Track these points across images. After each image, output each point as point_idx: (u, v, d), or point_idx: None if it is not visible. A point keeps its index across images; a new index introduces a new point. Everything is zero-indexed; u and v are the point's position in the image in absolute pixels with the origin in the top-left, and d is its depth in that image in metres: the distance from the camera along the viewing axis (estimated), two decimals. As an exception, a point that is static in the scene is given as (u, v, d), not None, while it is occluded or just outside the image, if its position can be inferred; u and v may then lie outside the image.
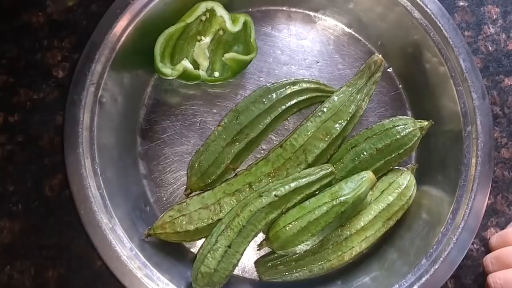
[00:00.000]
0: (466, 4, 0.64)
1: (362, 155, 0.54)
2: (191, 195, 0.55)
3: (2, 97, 0.57)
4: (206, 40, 0.58)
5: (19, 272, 0.53)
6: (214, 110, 0.59)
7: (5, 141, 0.56)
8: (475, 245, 0.57)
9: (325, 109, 0.55)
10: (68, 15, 0.60)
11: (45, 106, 0.57)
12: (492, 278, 0.50)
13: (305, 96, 0.57)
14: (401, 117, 0.56)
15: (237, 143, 0.54)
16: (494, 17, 0.64)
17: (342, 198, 0.49)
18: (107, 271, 0.52)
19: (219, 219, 0.51)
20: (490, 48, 0.63)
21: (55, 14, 0.60)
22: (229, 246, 0.48)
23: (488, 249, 0.56)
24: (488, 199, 0.57)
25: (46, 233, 0.54)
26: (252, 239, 0.50)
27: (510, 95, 0.61)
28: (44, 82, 0.58)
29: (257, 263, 0.54)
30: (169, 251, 0.52)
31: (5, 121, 0.57)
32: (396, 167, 0.56)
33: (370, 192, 0.53)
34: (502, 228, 0.57)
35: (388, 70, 0.62)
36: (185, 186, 0.56)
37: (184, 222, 0.51)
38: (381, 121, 0.56)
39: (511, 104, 0.61)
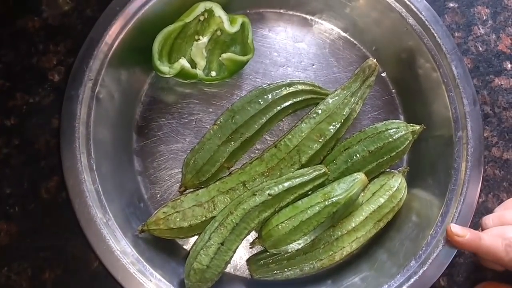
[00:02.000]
0: (456, 5, 0.66)
1: (354, 157, 0.55)
2: (185, 192, 0.55)
3: None
4: (204, 40, 0.58)
5: (16, 273, 0.53)
6: (210, 109, 0.59)
7: (1, 144, 0.56)
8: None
9: (319, 111, 0.56)
10: (63, 20, 0.61)
11: (41, 110, 0.58)
12: (486, 220, 0.49)
13: (300, 98, 0.58)
14: (393, 120, 0.57)
15: (232, 142, 0.55)
16: (484, 18, 0.65)
17: (334, 199, 0.50)
18: (103, 272, 0.52)
19: (213, 217, 0.51)
20: (480, 48, 0.64)
21: (51, 19, 0.60)
22: (222, 243, 0.49)
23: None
24: (480, 198, 0.58)
25: (43, 235, 0.54)
26: (245, 237, 0.51)
27: (500, 95, 0.62)
28: (40, 86, 0.58)
29: (249, 261, 0.54)
30: (162, 247, 0.53)
31: (1, 124, 0.57)
32: (388, 170, 0.57)
33: (362, 194, 0.54)
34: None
35: (382, 74, 0.63)
36: (180, 183, 0.56)
37: (178, 219, 0.51)
38: (374, 124, 0.57)
39: (501, 104, 0.62)
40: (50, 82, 0.58)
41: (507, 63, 0.64)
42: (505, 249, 0.45)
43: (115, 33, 0.53)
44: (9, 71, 0.58)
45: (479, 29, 0.65)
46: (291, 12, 0.64)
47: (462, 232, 0.48)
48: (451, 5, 0.65)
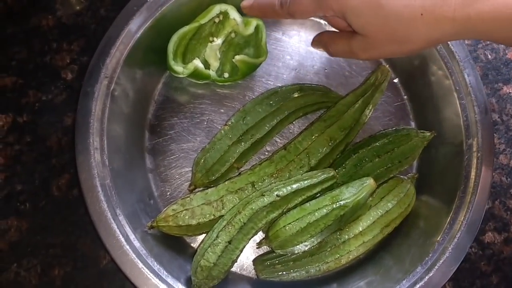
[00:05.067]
0: None
1: (364, 162, 0.55)
2: (194, 191, 0.56)
3: (11, 98, 0.58)
4: (218, 41, 0.59)
5: (26, 270, 0.54)
6: (222, 110, 0.60)
7: (13, 141, 0.57)
8: (473, 249, 0.58)
9: (330, 115, 0.56)
10: (77, 18, 0.61)
11: (54, 107, 0.59)
12: None
13: (311, 101, 0.58)
14: (404, 126, 0.57)
15: (242, 143, 0.56)
16: None
17: (342, 202, 0.50)
18: (112, 270, 0.53)
19: (221, 216, 0.52)
20: (490, 56, 0.64)
21: (64, 17, 0.61)
22: (229, 242, 0.49)
23: (486, 254, 0.58)
24: (487, 204, 0.58)
25: (53, 232, 0.55)
26: (252, 236, 0.51)
27: (508, 103, 0.63)
28: (53, 84, 0.59)
29: (255, 261, 0.55)
30: (170, 244, 0.53)
31: (14, 121, 0.58)
32: (397, 176, 0.57)
33: (370, 198, 0.55)
34: (500, 232, 0.59)
35: (394, 80, 0.63)
36: (189, 182, 0.57)
37: (187, 217, 0.52)
38: (384, 130, 0.57)
39: (509, 112, 0.62)
40: (63, 80, 0.59)
41: (516, 71, 0.64)
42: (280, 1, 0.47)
43: (131, 32, 0.54)
44: (22, 69, 0.59)
45: (488, 38, 0.65)
46: (305, 17, 0.64)
47: (247, 3, 0.51)
48: (462, 13, 0.66)
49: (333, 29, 0.53)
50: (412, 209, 0.56)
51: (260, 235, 0.55)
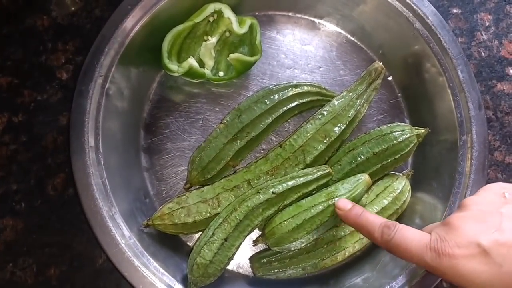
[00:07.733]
0: (459, 12, 0.66)
1: (359, 159, 0.55)
2: (190, 189, 0.56)
3: (6, 97, 0.58)
4: (213, 40, 0.59)
5: (22, 269, 0.53)
6: (217, 109, 0.60)
7: (9, 141, 0.57)
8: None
9: (325, 112, 0.56)
10: (72, 19, 0.62)
11: (49, 107, 0.58)
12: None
13: (306, 99, 0.58)
14: (398, 123, 0.57)
15: (238, 141, 0.56)
16: (487, 24, 0.66)
17: (337, 199, 0.50)
18: (108, 269, 0.53)
19: (217, 213, 0.52)
20: (483, 54, 0.65)
21: (60, 18, 0.62)
22: (225, 239, 0.49)
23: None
24: None
25: (49, 231, 0.55)
26: (248, 234, 0.51)
27: (502, 100, 0.63)
28: (48, 84, 0.59)
29: (252, 259, 0.55)
30: (166, 242, 0.53)
31: (9, 121, 0.58)
32: (392, 172, 0.58)
33: (366, 195, 0.55)
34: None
35: (388, 78, 0.63)
36: (185, 180, 0.57)
37: (183, 215, 0.52)
38: (379, 127, 0.57)
39: (504, 109, 0.63)
40: (58, 80, 0.59)
41: (509, 68, 0.64)
42: (382, 230, 0.43)
43: (126, 31, 0.54)
44: (17, 69, 0.59)
45: (482, 35, 0.65)
46: (299, 15, 0.64)
47: (343, 205, 0.48)
48: (455, 11, 0.66)
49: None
50: (408, 206, 0.56)
51: (256, 233, 0.55)
